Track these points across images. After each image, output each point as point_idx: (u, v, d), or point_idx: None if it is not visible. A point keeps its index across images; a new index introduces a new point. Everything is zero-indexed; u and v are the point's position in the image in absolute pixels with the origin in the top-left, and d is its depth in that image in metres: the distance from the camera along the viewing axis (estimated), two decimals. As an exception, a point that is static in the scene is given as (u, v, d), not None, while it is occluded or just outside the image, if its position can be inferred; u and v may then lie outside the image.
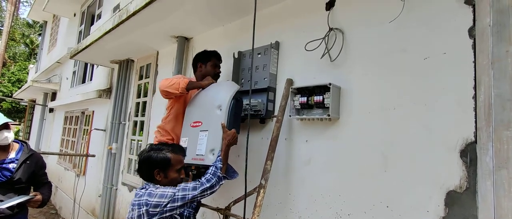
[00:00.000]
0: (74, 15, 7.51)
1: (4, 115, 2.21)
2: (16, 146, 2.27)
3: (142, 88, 3.99)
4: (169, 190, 1.46)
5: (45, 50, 9.98)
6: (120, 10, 2.84)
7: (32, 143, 8.90)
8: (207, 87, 2.12)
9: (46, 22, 10.56)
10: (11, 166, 2.14)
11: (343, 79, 1.71)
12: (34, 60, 19.17)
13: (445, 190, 1.27)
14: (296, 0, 2.09)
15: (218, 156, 1.66)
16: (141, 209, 1.41)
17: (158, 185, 1.51)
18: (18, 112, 15.88)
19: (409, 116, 1.42)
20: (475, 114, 1.23)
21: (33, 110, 11.00)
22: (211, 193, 1.57)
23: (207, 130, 1.90)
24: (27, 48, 22.00)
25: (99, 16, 5.91)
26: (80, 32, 6.97)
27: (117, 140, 4.12)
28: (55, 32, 9.19)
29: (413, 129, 1.40)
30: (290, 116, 1.83)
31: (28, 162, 2.21)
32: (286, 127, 1.96)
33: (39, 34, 19.22)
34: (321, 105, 1.70)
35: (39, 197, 2.16)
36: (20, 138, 11.05)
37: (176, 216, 1.52)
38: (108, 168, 4.13)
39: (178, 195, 1.45)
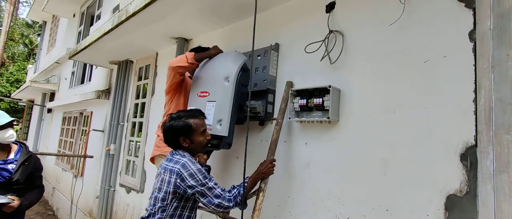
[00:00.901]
0: (74, 15, 7.50)
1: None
2: (15, 147, 2.28)
3: (141, 89, 3.97)
4: (200, 177, 1.49)
5: (44, 50, 9.96)
6: (119, 11, 2.84)
7: (30, 144, 8.86)
8: (214, 56, 2.12)
9: (45, 22, 10.55)
10: (10, 166, 2.15)
11: (343, 82, 1.70)
12: (33, 60, 19.12)
13: (445, 193, 1.26)
14: (296, 2, 2.09)
15: (245, 182, 1.62)
16: (172, 177, 1.49)
17: (195, 161, 1.56)
18: (16, 112, 15.83)
19: (409, 119, 1.41)
20: (476, 118, 1.22)
21: (31, 111, 10.96)
22: (222, 211, 1.59)
23: (214, 101, 1.91)
24: (26, 48, 21.95)
25: (99, 17, 5.90)
26: (80, 32, 6.95)
27: (115, 141, 4.10)
28: (54, 33, 9.18)
29: (413, 132, 1.39)
30: (289, 118, 1.83)
31: (26, 163, 2.22)
32: (285, 130, 1.95)
33: (38, 34, 19.18)
34: (320, 108, 1.69)
35: (15, 203, 2.05)
36: (17, 138, 10.99)
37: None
38: (106, 169, 4.11)
39: (202, 189, 1.49)
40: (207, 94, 1.99)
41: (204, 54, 2.12)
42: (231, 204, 1.55)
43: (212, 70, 2.05)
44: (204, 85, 2.04)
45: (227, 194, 1.56)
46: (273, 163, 1.72)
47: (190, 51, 2.33)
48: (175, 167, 1.49)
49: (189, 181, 1.47)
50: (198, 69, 2.18)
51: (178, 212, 1.54)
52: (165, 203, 1.51)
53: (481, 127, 1.20)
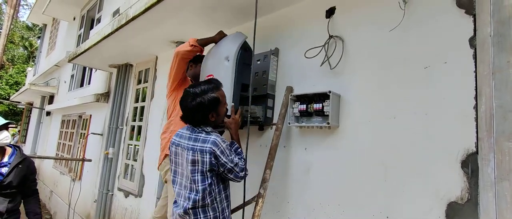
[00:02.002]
0: (74, 18, 7.52)
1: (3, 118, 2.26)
2: (9, 150, 2.29)
3: (140, 92, 3.97)
4: (227, 152, 1.49)
5: (44, 53, 9.96)
6: (119, 15, 2.84)
7: (28, 147, 8.83)
8: (219, 40, 2.10)
9: (45, 25, 10.57)
10: (3, 170, 2.16)
11: (343, 87, 1.70)
12: (32, 63, 19.11)
13: (446, 201, 1.25)
14: (296, 8, 2.09)
15: (239, 149, 1.65)
16: (205, 157, 1.45)
17: (224, 138, 1.53)
18: (15, 115, 15.80)
19: (410, 125, 1.41)
20: (476, 125, 1.21)
21: (30, 113, 10.93)
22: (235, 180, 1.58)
23: None
24: (26, 51, 21.97)
25: (99, 20, 5.91)
26: (80, 35, 6.96)
27: (114, 144, 4.08)
28: (54, 35, 9.19)
29: (414, 138, 1.38)
30: (289, 123, 1.82)
31: (20, 166, 2.23)
32: (285, 135, 1.94)
33: (39, 37, 19.21)
34: (320, 113, 1.69)
35: None
36: (15, 141, 10.96)
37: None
38: (104, 173, 4.09)
39: (231, 166, 1.49)
40: (211, 76, 1.98)
41: (208, 38, 2.10)
42: (242, 174, 1.58)
43: (216, 52, 2.06)
44: (209, 69, 2.05)
45: (241, 163, 1.57)
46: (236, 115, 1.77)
47: None
48: (206, 147, 1.45)
49: (221, 159, 1.46)
50: (205, 57, 2.17)
51: (223, 193, 1.54)
52: (207, 183, 1.45)
53: (482, 134, 1.19)
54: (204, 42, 2.06)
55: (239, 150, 1.65)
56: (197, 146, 1.47)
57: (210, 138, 1.48)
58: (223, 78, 1.86)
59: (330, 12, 1.85)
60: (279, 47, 2.13)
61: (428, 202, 1.29)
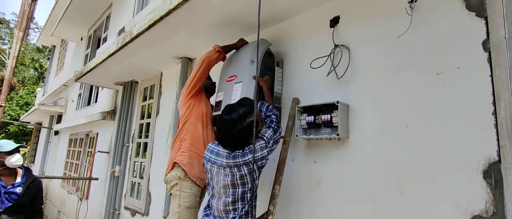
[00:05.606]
0: (81, 39, 7.68)
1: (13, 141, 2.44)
2: (20, 171, 2.46)
3: (146, 109, 3.97)
4: (264, 140, 1.56)
5: (53, 73, 10.16)
6: (124, 33, 2.86)
7: (37, 166, 8.88)
8: (241, 47, 2.18)
9: (54, 46, 10.83)
10: (18, 190, 2.34)
11: (351, 97, 1.65)
12: (42, 84, 19.53)
13: (469, 215, 1.17)
14: (300, 18, 2.07)
15: (270, 106, 1.75)
16: (250, 167, 1.51)
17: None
18: (25, 135, 16.02)
19: (424, 135, 1.34)
20: (497, 132, 1.14)
21: (39, 133, 11.06)
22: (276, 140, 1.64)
23: (241, 81, 1.98)
24: (36, 72, 22.52)
25: (105, 39, 6.02)
26: (87, 55, 7.09)
27: (120, 162, 4.05)
28: (62, 56, 9.39)
29: (429, 148, 1.31)
30: (297, 136, 1.76)
31: (31, 185, 2.41)
32: (292, 148, 1.89)
33: (48, 58, 19.71)
34: (329, 124, 1.63)
35: None
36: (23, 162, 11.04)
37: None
38: (111, 191, 4.04)
39: (270, 144, 1.57)
40: (234, 77, 2.04)
41: (231, 45, 2.18)
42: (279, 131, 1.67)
43: (239, 57, 2.13)
44: (231, 71, 2.12)
45: (274, 125, 1.64)
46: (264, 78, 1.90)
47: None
48: (248, 158, 1.50)
49: (264, 152, 1.54)
50: (225, 62, 2.23)
51: (255, 201, 1.59)
52: (255, 187, 1.56)
53: (503, 141, 1.12)
54: (227, 49, 2.14)
55: (270, 107, 1.75)
56: (239, 161, 1.52)
57: (246, 149, 1.53)
58: (248, 78, 1.94)
59: (334, 21, 1.82)
60: (284, 59, 2.10)
61: (450, 216, 1.21)
